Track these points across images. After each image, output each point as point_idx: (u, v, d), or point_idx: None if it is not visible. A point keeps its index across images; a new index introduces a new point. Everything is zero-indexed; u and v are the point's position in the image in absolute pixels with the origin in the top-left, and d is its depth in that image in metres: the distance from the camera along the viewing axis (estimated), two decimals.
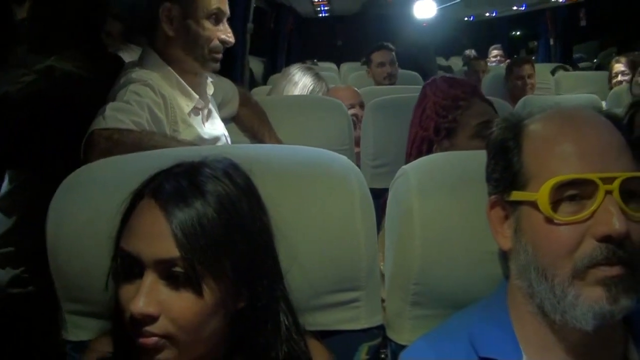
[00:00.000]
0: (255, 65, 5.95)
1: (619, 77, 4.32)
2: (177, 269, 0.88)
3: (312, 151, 1.18)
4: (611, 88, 4.26)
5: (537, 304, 0.90)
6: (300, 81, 2.59)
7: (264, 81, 5.74)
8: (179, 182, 0.92)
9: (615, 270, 0.84)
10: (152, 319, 0.87)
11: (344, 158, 1.16)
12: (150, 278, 0.88)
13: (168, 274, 0.89)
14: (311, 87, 2.57)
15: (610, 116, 0.95)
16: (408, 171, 1.14)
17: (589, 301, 0.84)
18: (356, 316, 1.11)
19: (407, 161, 1.79)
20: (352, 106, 2.75)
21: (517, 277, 0.94)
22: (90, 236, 1.04)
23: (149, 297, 0.87)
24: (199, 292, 0.88)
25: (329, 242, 1.07)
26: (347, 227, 1.08)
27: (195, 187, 0.91)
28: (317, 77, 2.62)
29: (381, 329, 1.15)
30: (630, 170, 0.87)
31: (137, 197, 0.94)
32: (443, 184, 1.12)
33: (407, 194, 1.11)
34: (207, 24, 1.73)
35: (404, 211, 1.11)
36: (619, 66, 4.40)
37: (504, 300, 0.99)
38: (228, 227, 0.91)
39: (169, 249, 0.88)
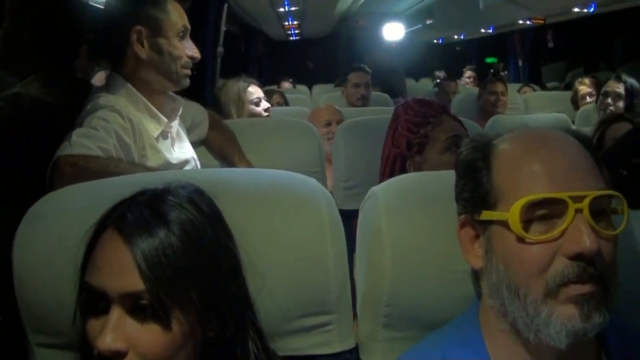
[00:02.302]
0: None
1: (587, 99, 4.38)
2: (143, 301, 0.86)
3: (279, 174, 1.17)
4: (577, 108, 4.33)
5: (510, 322, 0.90)
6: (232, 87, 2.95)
7: None
8: (142, 212, 0.90)
9: (587, 288, 0.84)
10: (120, 354, 0.85)
11: (312, 180, 1.15)
12: (116, 313, 0.86)
13: (134, 307, 0.86)
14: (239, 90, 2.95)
15: (578, 136, 0.97)
16: (377, 192, 1.14)
17: (562, 319, 0.84)
18: (328, 340, 1.10)
19: (381, 180, 1.83)
20: (329, 123, 3.03)
21: (490, 296, 0.94)
22: (58, 266, 1.01)
23: (116, 332, 0.85)
24: (166, 324, 0.86)
25: (298, 266, 1.06)
26: (316, 250, 1.07)
27: (158, 216, 0.89)
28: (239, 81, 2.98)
29: (354, 351, 1.14)
30: (598, 188, 0.88)
31: (100, 227, 0.92)
32: (412, 204, 1.12)
33: (376, 214, 1.11)
34: (176, 42, 1.76)
35: (373, 232, 1.11)
36: (584, 88, 4.46)
37: (476, 319, 0.99)
38: (193, 256, 0.89)
39: (134, 282, 0.85)
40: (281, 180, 1.15)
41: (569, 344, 0.84)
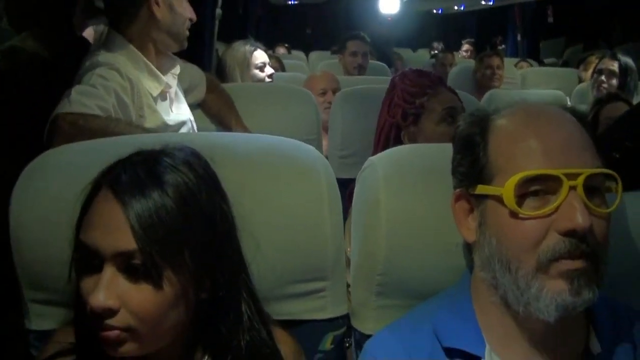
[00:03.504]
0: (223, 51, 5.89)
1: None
2: (136, 261, 0.86)
3: (278, 140, 1.17)
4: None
5: (501, 295, 0.92)
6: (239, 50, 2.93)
7: None
8: (137, 172, 0.90)
9: (578, 264, 0.85)
10: (112, 312, 0.86)
11: (311, 148, 1.16)
12: (109, 271, 0.87)
13: (127, 266, 0.87)
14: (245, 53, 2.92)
15: (575, 113, 0.97)
16: (375, 162, 1.15)
17: (552, 293, 0.85)
18: (322, 306, 1.12)
19: (375, 149, 1.85)
20: (325, 91, 3.00)
21: (481, 268, 0.95)
22: (54, 224, 1.01)
23: (108, 290, 0.86)
24: (158, 284, 0.87)
25: (294, 232, 1.07)
26: (314, 217, 1.08)
27: (153, 177, 0.89)
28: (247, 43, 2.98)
29: (346, 318, 1.16)
30: (593, 166, 0.88)
31: (96, 187, 0.92)
32: (410, 175, 1.13)
33: (374, 185, 1.12)
34: (184, 3, 1.80)
35: (370, 202, 1.11)
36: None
37: (467, 291, 1.00)
38: (187, 218, 0.90)
39: (127, 242, 0.86)
40: (280, 147, 1.15)
41: (558, 317, 0.86)
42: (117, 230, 0.87)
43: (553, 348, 0.93)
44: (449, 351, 0.94)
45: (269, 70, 2.97)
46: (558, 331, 0.90)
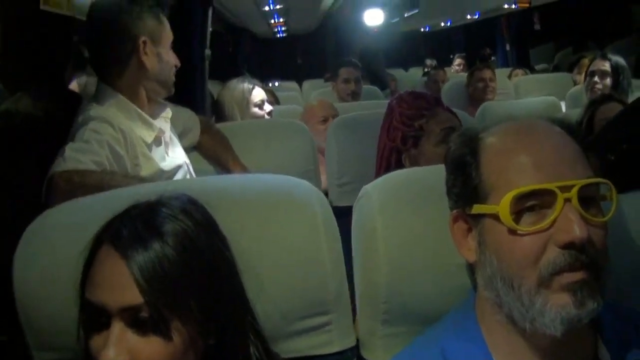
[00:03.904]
0: (216, 90, 5.91)
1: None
2: (143, 314, 0.87)
3: (271, 178, 1.18)
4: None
5: (506, 313, 0.91)
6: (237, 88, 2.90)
7: None
8: (136, 226, 0.90)
9: (579, 275, 0.85)
10: None
11: (305, 183, 1.16)
12: (117, 327, 0.87)
13: (135, 320, 0.87)
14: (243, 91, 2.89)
15: (563, 125, 0.97)
16: (369, 190, 1.15)
17: (557, 307, 0.85)
18: (329, 340, 1.11)
19: (377, 174, 1.84)
20: (326, 118, 2.99)
21: (485, 288, 0.95)
22: (58, 282, 1.01)
23: (118, 346, 0.86)
24: (167, 336, 0.87)
25: (295, 269, 1.07)
26: (312, 251, 1.08)
27: (152, 229, 0.90)
28: (245, 80, 2.95)
29: (355, 349, 1.15)
30: (586, 177, 0.89)
31: (96, 244, 0.92)
32: (405, 200, 1.13)
33: (370, 213, 1.12)
34: (170, 51, 1.84)
35: (367, 231, 1.12)
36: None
37: (472, 311, 1.00)
38: (190, 266, 0.90)
39: (133, 296, 0.86)
40: (273, 185, 1.15)
41: (565, 331, 0.85)
42: (122, 285, 0.87)
43: None
44: None
45: (267, 107, 2.95)
46: (565, 344, 0.90)
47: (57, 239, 1.07)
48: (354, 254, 1.19)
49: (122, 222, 0.92)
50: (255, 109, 2.90)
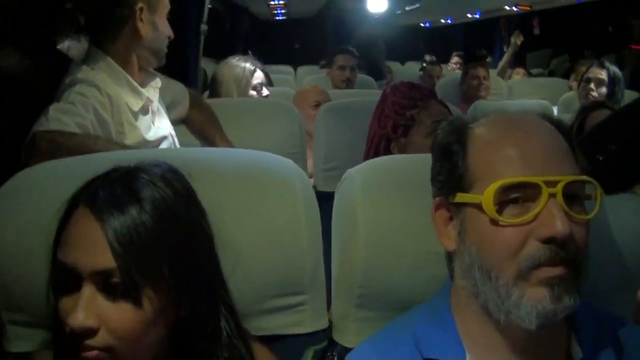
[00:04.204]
0: (210, 67, 5.88)
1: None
2: (114, 279, 0.86)
3: (254, 154, 1.17)
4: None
5: (482, 303, 0.92)
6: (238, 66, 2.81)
7: None
8: (114, 189, 0.89)
9: (558, 271, 0.85)
10: (92, 332, 0.85)
11: (287, 161, 1.16)
12: (88, 290, 0.86)
13: (106, 284, 0.87)
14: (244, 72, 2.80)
15: (554, 121, 0.97)
16: (353, 174, 1.15)
17: (533, 301, 0.85)
18: (302, 320, 1.12)
19: (365, 160, 1.83)
20: (319, 103, 2.93)
21: (462, 277, 0.95)
22: (31, 243, 1.01)
23: (87, 309, 0.85)
24: (138, 303, 0.87)
25: (272, 246, 1.07)
26: (290, 230, 1.08)
27: (130, 194, 0.89)
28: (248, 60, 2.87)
29: (327, 331, 1.16)
30: (572, 174, 0.89)
31: (73, 205, 0.91)
32: (387, 186, 1.13)
33: (352, 196, 1.12)
34: (165, 20, 1.82)
35: (348, 214, 1.12)
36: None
37: (447, 300, 1.00)
38: (166, 234, 0.89)
39: (106, 260, 0.85)
40: (256, 161, 1.15)
41: (539, 325, 0.85)
42: (95, 248, 0.86)
43: (534, 355, 0.93)
44: None
45: (265, 91, 2.90)
46: (539, 338, 0.90)
47: (31, 200, 1.06)
48: (333, 236, 1.19)
49: (101, 184, 0.91)
50: (253, 92, 2.85)
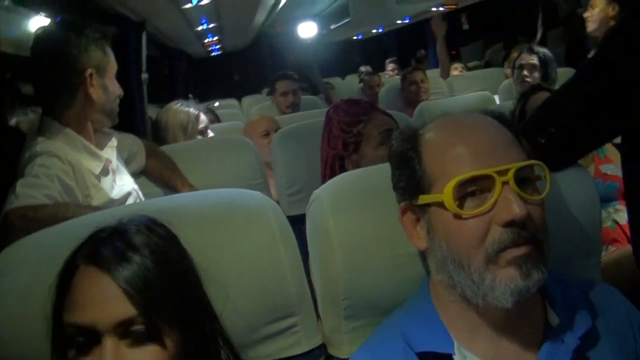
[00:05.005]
0: (155, 112, 5.79)
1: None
2: (137, 326, 0.89)
3: (224, 192, 1.20)
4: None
5: (459, 292, 0.97)
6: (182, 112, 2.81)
7: None
8: (113, 243, 0.92)
9: (522, 250, 0.92)
10: None
11: (257, 194, 1.19)
12: (110, 342, 0.88)
13: (126, 333, 0.89)
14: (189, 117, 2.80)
15: (495, 115, 1.05)
16: (320, 195, 1.19)
17: (505, 281, 0.92)
18: (296, 341, 1.14)
19: (323, 182, 1.87)
20: (268, 132, 3.01)
21: (437, 272, 1.01)
22: (27, 318, 1.01)
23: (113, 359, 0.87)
24: (162, 344, 0.90)
25: (256, 277, 1.09)
26: (271, 259, 1.11)
27: (129, 245, 0.93)
28: (190, 105, 2.88)
29: (322, 348, 1.19)
30: (520, 160, 0.96)
31: (71, 268, 0.93)
32: (354, 200, 1.17)
33: (322, 216, 1.16)
34: (114, 81, 1.84)
35: (322, 233, 1.15)
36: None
37: (428, 295, 1.06)
38: (167, 275, 0.93)
39: (126, 309, 0.88)
40: (228, 198, 1.17)
41: (515, 302, 0.92)
42: (112, 301, 0.89)
43: (516, 330, 0.99)
44: (422, 355, 0.99)
45: (210, 133, 2.93)
46: (518, 313, 0.97)
47: (21, 276, 1.06)
48: (311, 256, 1.23)
49: (98, 242, 0.94)
50: (200, 136, 2.86)
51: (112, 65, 1.84)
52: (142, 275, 0.90)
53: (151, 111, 4.87)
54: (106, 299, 0.89)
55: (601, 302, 1.06)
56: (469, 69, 7.34)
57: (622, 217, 2.25)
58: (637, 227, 1.41)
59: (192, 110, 2.83)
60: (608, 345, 1.00)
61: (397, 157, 1.07)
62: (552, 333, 0.99)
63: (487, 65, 7.75)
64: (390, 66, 8.44)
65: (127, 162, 2.06)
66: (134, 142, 2.17)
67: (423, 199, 1.00)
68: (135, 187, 1.99)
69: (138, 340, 0.89)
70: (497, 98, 4.18)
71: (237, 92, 8.02)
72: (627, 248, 1.62)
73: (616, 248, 2.19)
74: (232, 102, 6.94)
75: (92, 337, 0.89)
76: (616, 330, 1.03)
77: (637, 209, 1.40)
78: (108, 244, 0.93)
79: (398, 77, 6.87)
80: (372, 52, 11.27)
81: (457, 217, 0.95)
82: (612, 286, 1.11)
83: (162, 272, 0.93)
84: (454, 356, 0.97)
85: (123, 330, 0.89)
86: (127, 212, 1.04)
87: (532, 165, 0.98)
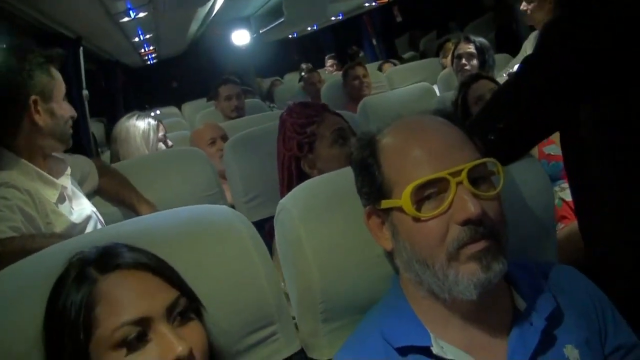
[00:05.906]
0: (96, 127, 5.69)
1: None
2: (180, 308, 0.94)
3: (193, 210, 1.20)
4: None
5: (427, 289, 1.03)
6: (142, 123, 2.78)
7: (108, 140, 5.50)
8: (118, 249, 0.97)
9: (481, 245, 0.97)
10: (192, 357, 0.90)
11: (225, 208, 1.21)
12: (163, 326, 0.91)
13: (173, 316, 0.93)
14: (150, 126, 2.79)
15: (446, 115, 1.10)
16: (286, 204, 1.22)
17: (467, 275, 0.97)
18: (277, 348, 1.17)
19: (282, 184, 1.96)
20: (214, 140, 3.00)
21: (405, 270, 1.06)
22: (23, 347, 0.96)
23: (177, 339, 0.89)
24: (200, 319, 0.97)
25: (234, 289, 1.11)
26: (247, 271, 1.13)
27: (130, 247, 0.98)
28: (147, 116, 2.85)
29: (301, 353, 1.22)
30: (473, 159, 1.01)
31: (86, 285, 0.92)
32: (321, 206, 1.21)
33: (291, 225, 1.19)
34: (63, 104, 1.80)
35: (293, 242, 1.18)
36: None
37: (401, 292, 1.10)
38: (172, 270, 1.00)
39: (170, 293, 0.94)
40: (197, 216, 1.18)
41: (479, 294, 0.97)
42: (156, 289, 0.93)
43: (486, 317, 1.04)
44: (401, 350, 1.03)
45: (169, 141, 2.92)
46: (485, 303, 1.02)
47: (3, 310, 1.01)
48: (283, 265, 1.25)
49: (115, 251, 0.97)
50: (162, 144, 2.86)
51: (60, 88, 1.79)
52: (163, 263, 0.97)
53: (96, 126, 4.77)
54: (152, 289, 0.93)
55: (562, 282, 1.12)
56: (405, 61, 7.45)
57: (568, 194, 2.30)
58: (581, 208, 1.49)
59: (151, 120, 2.82)
60: (573, 322, 1.06)
61: (357, 163, 1.11)
62: (520, 317, 1.05)
63: (423, 55, 7.88)
64: (329, 62, 8.50)
65: (80, 182, 2.03)
66: (86, 163, 2.14)
67: (385, 204, 1.05)
68: (94, 209, 1.97)
69: (183, 320, 0.94)
70: (436, 88, 4.26)
71: (176, 98, 7.94)
72: (575, 224, 1.69)
73: (565, 225, 2.27)
74: (173, 109, 6.81)
75: (137, 333, 0.89)
76: (578, 307, 1.09)
77: (578, 190, 1.48)
78: (115, 250, 0.96)
79: (338, 72, 6.96)
80: (309, 49, 11.32)
81: (417, 219, 1.00)
82: (568, 265, 1.17)
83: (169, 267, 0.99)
84: (431, 347, 1.01)
85: (169, 313, 0.92)
86: (99, 235, 1.06)
87: (485, 162, 1.03)
